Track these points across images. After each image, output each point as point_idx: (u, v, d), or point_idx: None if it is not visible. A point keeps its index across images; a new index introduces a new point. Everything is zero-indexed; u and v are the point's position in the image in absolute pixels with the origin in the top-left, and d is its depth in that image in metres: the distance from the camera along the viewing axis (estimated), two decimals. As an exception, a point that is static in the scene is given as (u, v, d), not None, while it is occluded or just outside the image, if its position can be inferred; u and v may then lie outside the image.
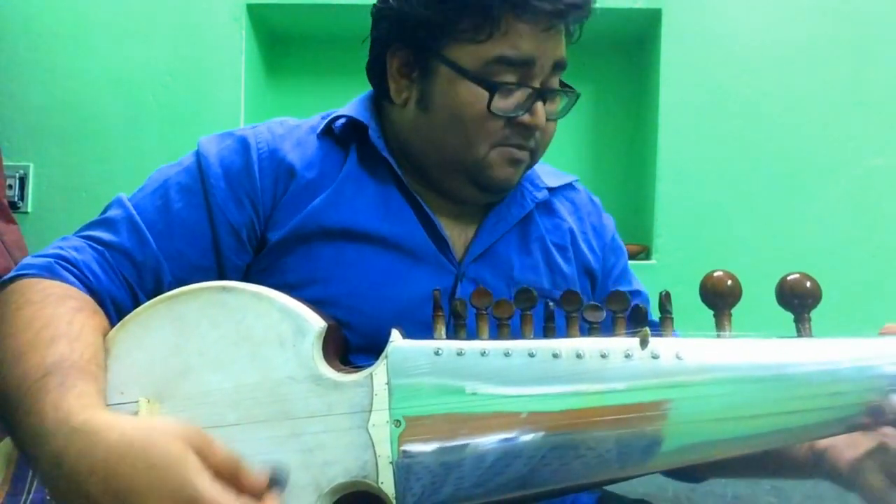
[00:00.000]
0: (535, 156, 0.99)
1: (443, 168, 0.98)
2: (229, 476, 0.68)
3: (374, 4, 1.01)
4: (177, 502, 0.63)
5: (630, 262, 1.52)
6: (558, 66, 0.96)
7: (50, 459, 0.67)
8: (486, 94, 0.91)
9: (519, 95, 0.93)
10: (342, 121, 1.01)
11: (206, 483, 0.64)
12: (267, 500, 0.69)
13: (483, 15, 0.90)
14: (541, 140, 0.97)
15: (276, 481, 0.70)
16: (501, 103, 0.92)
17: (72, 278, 0.85)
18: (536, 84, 0.93)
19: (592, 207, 1.16)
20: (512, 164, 0.96)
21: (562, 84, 0.99)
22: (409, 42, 0.96)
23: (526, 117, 0.93)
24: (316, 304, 0.84)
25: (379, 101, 1.05)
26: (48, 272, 0.84)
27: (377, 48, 1.01)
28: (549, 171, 1.13)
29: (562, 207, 1.10)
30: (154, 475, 0.64)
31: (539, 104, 0.94)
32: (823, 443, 0.83)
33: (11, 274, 0.84)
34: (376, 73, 1.02)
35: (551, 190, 1.09)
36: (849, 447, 0.81)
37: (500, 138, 0.94)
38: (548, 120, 0.96)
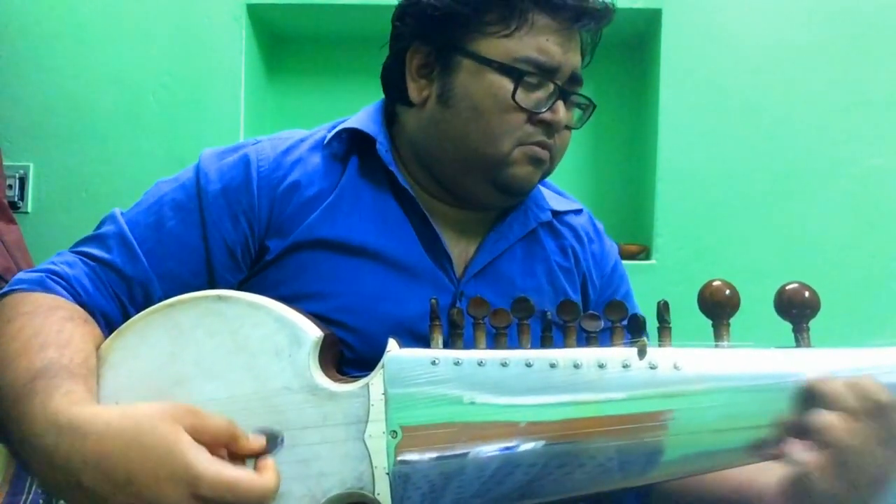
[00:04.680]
0: (552, 161, 0.99)
1: (461, 167, 0.97)
2: (225, 443, 0.69)
3: (398, 3, 1.01)
4: (176, 484, 0.64)
5: (630, 262, 1.52)
6: (575, 79, 0.97)
7: (42, 459, 0.67)
8: (510, 84, 0.92)
9: (541, 93, 0.94)
10: (346, 133, 1.00)
11: (202, 459, 0.65)
12: (266, 463, 0.70)
13: (509, 7, 0.92)
14: (559, 144, 0.98)
15: (271, 442, 0.72)
16: (524, 97, 0.93)
17: (63, 292, 0.85)
18: (559, 83, 0.95)
19: (595, 234, 1.14)
20: (533, 164, 0.96)
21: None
22: (432, 39, 0.96)
23: (548, 115, 0.94)
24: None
25: (390, 108, 1.05)
26: (39, 286, 0.85)
27: (396, 48, 1.01)
28: (554, 195, 1.13)
29: (565, 231, 1.10)
30: (149, 461, 0.64)
31: (560, 103, 0.95)
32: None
33: (4, 290, 0.86)
34: (393, 74, 1.02)
35: (556, 214, 1.09)
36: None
37: (523, 135, 0.94)
38: (565, 127, 0.97)
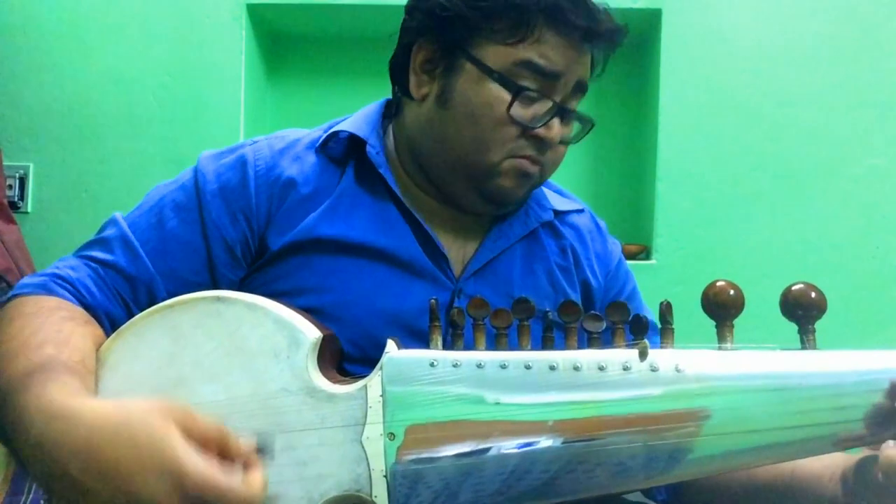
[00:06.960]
0: (543, 175, 0.98)
1: (450, 171, 0.97)
2: (215, 446, 0.67)
3: None
4: (162, 478, 0.63)
5: (630, 262, 1.52)
6: (580, 88, 0.96)
7: (31, 445, 0.67)
8: (507, 96, 0.91)
9: (538, 108, 0.93)
10: (340, 136, 1.00)
11: (190, 457, 0.64)
12: (253, 467, 0.69)
13: (519, 17, 0.91)
14: (551, 160, 0.97)
15: (262, 448, 0.71)
16: (520, 111, 0.92)
17: (66, 294, 0.86)
18: (557, 99, 0.93)
19: (597, 233, 1.14)
20: (521, 177, 0.95)
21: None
22: (438, 37, 0.96)
23: (541, 131, 0.93)
24: (309, 313, 0.85)
25: (390, 106, 1.05)
26: (44, 289, 0.86)
27: (404, 41, 1.00)
28: (556, 195, 1.12)
29: (567, 231, 1.09)
30: (137, 452, 0.63)
31: (556, 121, 0.94)
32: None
33: (8, 295, 0.86)
34: (399, 67, 1.01)
35: (557, 213, 1.08)
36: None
37: (514, 148, 0.93)
38: (560, 142, 0.96)
